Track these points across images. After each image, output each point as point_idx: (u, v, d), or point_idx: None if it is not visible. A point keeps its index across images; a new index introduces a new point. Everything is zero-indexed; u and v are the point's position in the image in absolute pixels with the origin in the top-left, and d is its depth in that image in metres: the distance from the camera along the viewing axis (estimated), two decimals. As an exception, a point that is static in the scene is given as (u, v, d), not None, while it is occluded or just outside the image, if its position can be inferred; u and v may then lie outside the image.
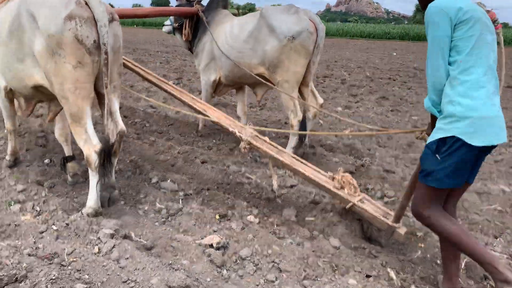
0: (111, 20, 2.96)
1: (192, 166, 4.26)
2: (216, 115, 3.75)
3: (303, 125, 4.44)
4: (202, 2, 5.08)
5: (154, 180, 3.87)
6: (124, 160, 4.33)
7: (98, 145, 2.97)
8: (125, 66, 4.18)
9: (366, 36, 36.89)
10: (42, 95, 3.32)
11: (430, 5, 2.14)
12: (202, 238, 2.87)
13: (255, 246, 2.78)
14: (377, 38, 36.31)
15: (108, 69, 2.85)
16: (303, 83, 4.35)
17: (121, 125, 3.14)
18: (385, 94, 8.92)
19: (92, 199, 3.06)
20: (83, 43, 2.79)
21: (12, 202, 3.30)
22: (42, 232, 2.86)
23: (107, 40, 2.82)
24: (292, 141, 4.40)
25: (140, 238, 2.90)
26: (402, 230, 2.76)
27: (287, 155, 3.30)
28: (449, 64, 2.10)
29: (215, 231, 2.99)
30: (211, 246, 2.77)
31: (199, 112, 3.79)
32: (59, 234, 2.83)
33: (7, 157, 4.02)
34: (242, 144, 3.30)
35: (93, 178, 3.06)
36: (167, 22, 5.47)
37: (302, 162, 3.28)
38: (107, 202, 3.23)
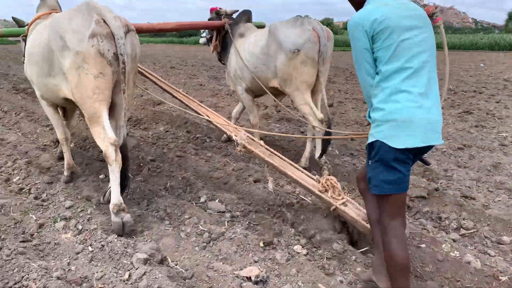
0: (127, 31, 3.23)
1: (244, 185, 4.00)
2: (218, 120, 4.00)
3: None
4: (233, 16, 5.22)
5: (202, 199, 3.68)
6: (177, 177, 4.20)
7: (113, 137, 3.10)
8: (142, 74, 4.43)
9: (451, 47, 34.69)
10: (68, 104, 3.65)
11: (350, 19, 2.16)
12: (241, 269, 2.59)
13: (298, 283, 2.43)
14: (464, 49, 34.00)
15: (125, 77, 3.10)
16: (313, 92, 4.37)
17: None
18: (469, 108, 8.07)
19: (113, 195, 3.10)
20: (104, 56, 3.06)
21: (58, 219, 3.27)
22: (78, 253, 2.76)
23: (124, 51, 3.08)
24: (308, 149, 4.56)
25: (176, 265, 2.69)
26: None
27: (277, 158, 3.42)
28: (377, 74, 2.11)
29: (256, 261, 2.68)
30: (249, 279, 2.48)
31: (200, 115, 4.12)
32: (93, 256, 2.71)
33: (65, 172, 4.06)
34: (238, 148, 3.51)
35: (112, 174, 3.12)
36: (203, 34, 5.75)
37: (292, 165, 3.38)
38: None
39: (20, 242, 2.87)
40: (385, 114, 2.03)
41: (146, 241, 2.92)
